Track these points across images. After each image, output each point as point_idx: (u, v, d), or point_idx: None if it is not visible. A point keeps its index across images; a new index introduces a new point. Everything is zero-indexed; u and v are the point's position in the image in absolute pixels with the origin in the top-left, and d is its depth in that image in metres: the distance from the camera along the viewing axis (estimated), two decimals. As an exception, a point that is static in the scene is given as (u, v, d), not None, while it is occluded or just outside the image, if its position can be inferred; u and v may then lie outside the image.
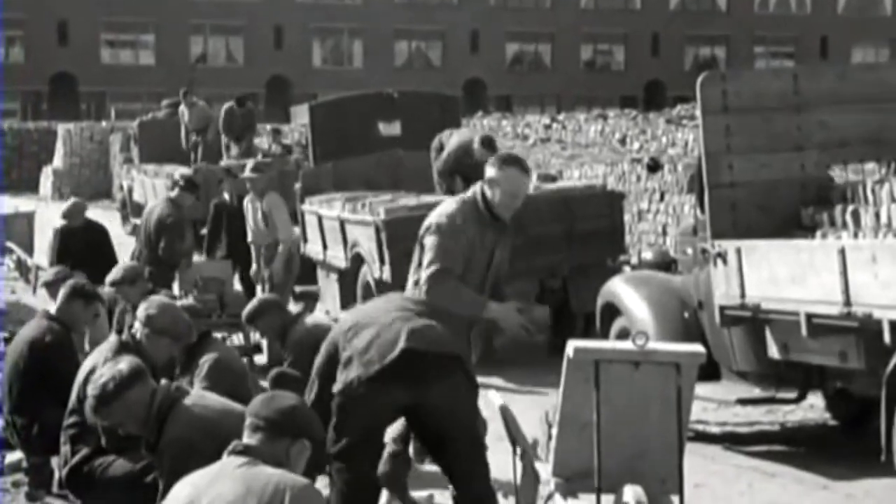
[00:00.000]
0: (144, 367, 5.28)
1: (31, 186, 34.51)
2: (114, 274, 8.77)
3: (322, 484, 5.95)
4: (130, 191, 23.86)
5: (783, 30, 67.09)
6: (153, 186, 21.51)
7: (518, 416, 6.75)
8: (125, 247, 18.43)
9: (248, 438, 4.04)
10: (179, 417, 5.05)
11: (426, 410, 5.88)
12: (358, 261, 12.42)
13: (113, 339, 6.61)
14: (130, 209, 23.48)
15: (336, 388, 5.81)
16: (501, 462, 7.03)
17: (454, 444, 5.95)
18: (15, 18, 59.41)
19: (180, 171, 20.55)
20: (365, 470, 5.88)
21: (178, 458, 4.88)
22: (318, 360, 6.03)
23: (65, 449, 6.43)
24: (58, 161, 34.52)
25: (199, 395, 5.32)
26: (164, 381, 5.25)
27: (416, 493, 7.28)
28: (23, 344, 7.40)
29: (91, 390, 5.24)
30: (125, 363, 5.23)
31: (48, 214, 24.33)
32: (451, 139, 12.50)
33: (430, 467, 7.32)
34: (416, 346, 5.73)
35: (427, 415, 5.91)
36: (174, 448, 4.97)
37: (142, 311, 6.47)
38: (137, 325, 6.42)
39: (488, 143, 12.00)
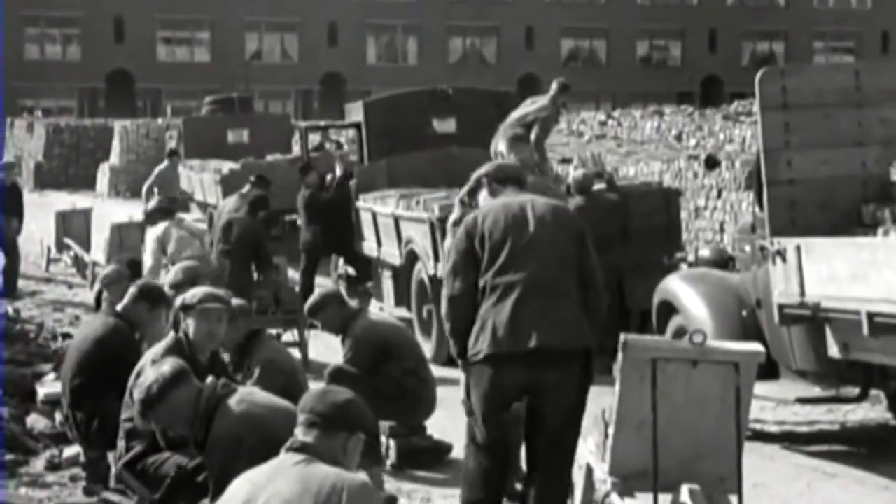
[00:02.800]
0: (187, 367, 5.28)
1: (88, 183, 34.85)
2: (173, 276, 8.80)
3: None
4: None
5: (843, 25, 66.44)
6: (200, 181, 21.89)
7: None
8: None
9: (303, 435, 4.02)
10: (226, 414, 5.05)
11: (541, 392, 5.98)
12: (412, 257, 12.41)
13: (170, 336, 6.63)
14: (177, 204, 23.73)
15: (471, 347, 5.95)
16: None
17: (546, 430, 6.04)
18: (72, 16, 60.05)
19: (228, 165, 20.87)
20: (494, 433, 6.01)
21: (226, 455, 4.89)
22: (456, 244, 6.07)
23: (120, 444, 6.46)
24: (114, 158, 34.81)
25: (247, 392, 5.31)
26: (210, 379, 5.25)
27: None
28: (88, 340, 7.43)
29: (137, 395, 5.26)
30: (167, 365, 5.23)
31: (105, 211, 24.61)
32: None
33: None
34: (548, 344, 5.87)
35: (541, 397, 5.99)
36: (223, 445, 4.98)
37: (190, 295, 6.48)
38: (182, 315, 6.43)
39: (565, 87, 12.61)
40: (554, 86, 12.80)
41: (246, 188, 13.75)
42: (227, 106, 25.86)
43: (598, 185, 12.01)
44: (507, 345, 5.89)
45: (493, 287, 5.96)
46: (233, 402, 5.10)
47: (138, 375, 6.19)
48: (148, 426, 5.39)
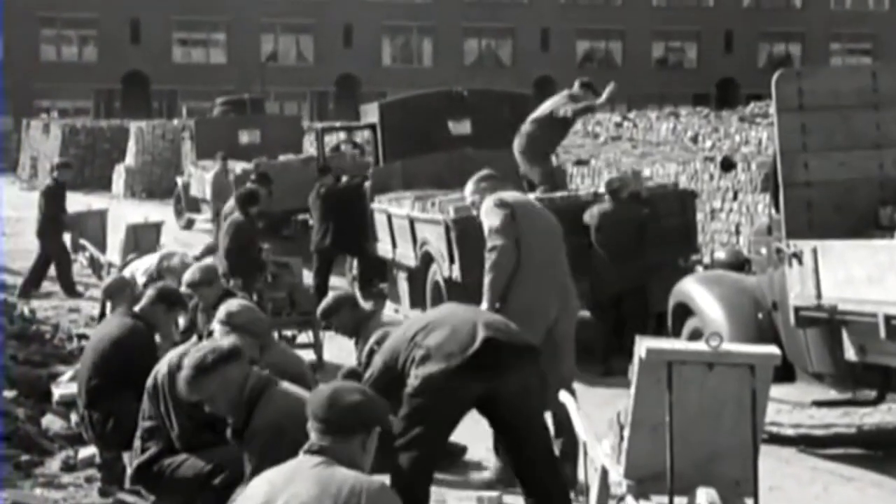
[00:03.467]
0: (243, 348, 5.31)
1: (104, 184, 34.91)
2: (191, 275, 8.82)
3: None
4: (186, 187, 24.56)
5: (860, 26, 66.23)
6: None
7: (589, 417, 6.68)
8: (180, 241, 18.71)
9: (319, 440, 4.01)
10: (270, 403, 5.07)
11: (500, 400, 6.11)
12: (427, 259, 12.40)
13: (193, 341, 6.64)
14: (185, 204, 24.35)
15: (413, 384, 5.96)
16: (572, 463, 6.98)
17: (524, 433, 6.20)
18: (88, 18, 60.21)
19: (241, 165, 20.91)
20: (432, 460, 6.15)
21: (270, 443, 4.92)
22: (372, 372, 6.19)
23: (136, 445, 6.47)
24: (130, 159, 34.88)
25: (288, 385, 5.33)
26: (255, 368, 5.27)
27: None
28: (105, 340, 7.44)
29: (189, 361, 5.25)
30: (227, 341, 5.28)
31: (120, 212, 24.67)
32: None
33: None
34: (495, 336, 6.01)
35: (500, 405, 6.13)
36: (266, 433, 5.00)
37: (222, 311, 6.49)
38: (217, 325, 6.43)
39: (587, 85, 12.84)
40: (576, 83, 12.95)
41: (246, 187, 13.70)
42: (239, 107, 26.30)
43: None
44: None
45: None
46: (275, 393, 5.12)
47: (156, 377, 6.22)
48: (191, 396, 5.33)
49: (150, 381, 6.34)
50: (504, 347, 6.05)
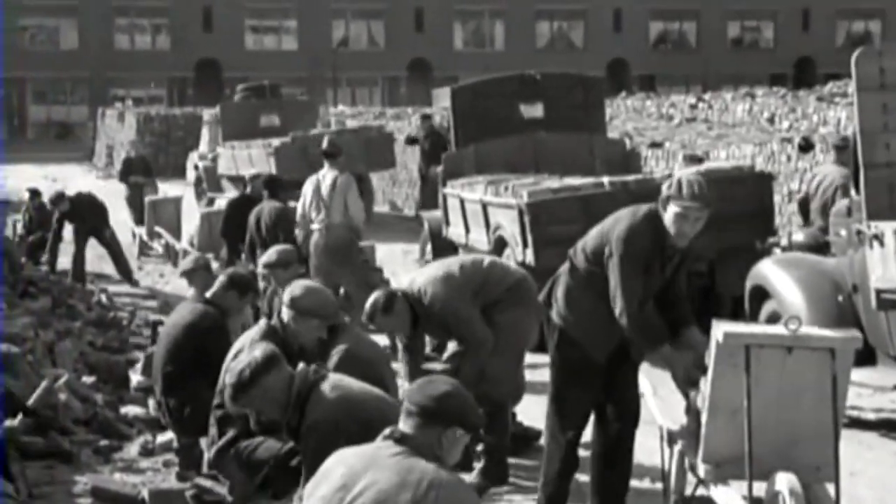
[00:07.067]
0: (279, 352, 5.30)
1: (178, 172, 35.17)
2: (268, 257, 8.90)
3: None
4: (206, 169, 26.74)
5: (942, 2, 65.11)
6: (249, 156, 23.59)
7: (666, 400, 6.63)
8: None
9: (402, 424, 4.01)
10: (321, 400, 5.06)
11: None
12: (501, 244, 12.35)
13: (262, 323, 6.67)
14: (207, 184, 26.25)
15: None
16: (650, 447, 6.94)
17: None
18: (160, 6, 60.81)
19: (279, 139, 22.44)
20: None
21: (324, 439, 4.89)
22: None
23: (212, 431, 6.51)
24: (203, 146, 35.14)
25: (338, 378, 5.31)
26: (301, 365, 5.26)
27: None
28: (179, 327, 7.51)
29: (228, 379, 5.30)
30: (259, 350, 5.26)
31: (195, 199, 24.92)
32: None
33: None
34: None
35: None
36: (320, 430, 4.98)
37: (287, 293, 6.51)
38: (284, 308, 6.46)
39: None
40: None
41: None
42: (259, 93, 27.65)
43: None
44: None
45: None
46: (326, 387, 5.11)
47: (233, 359, 6.24)
48: (240, 410, 5.42)
49: (227, 365, 6.37)
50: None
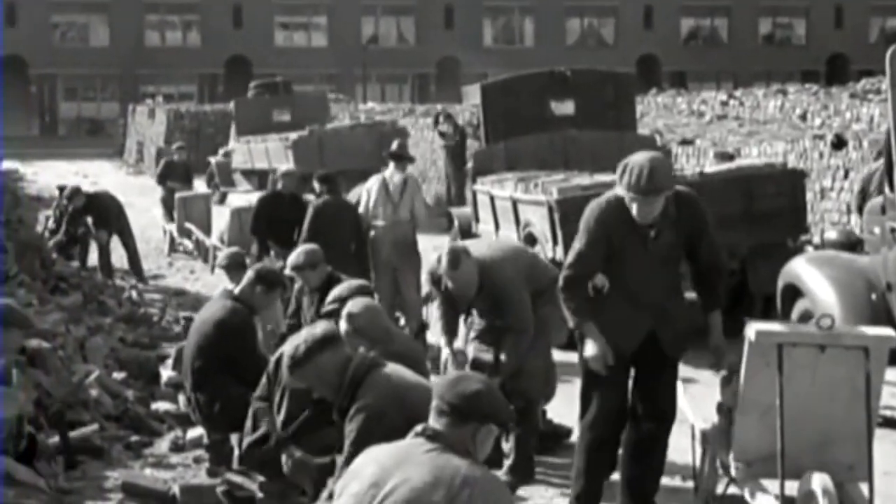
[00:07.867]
0: (338, 333, 5.34)
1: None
2: (295, 258, 8.89)
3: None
4: (218, 164, 27.54)
5: (976, -3, 64.60)
6: (265, 150, 23.96)
7: (697, 399, 6.60)
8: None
9: (434, 422, 3.99)
10: (374, 386, 5.08)
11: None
12: (531, 241, 12.33)
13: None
14: (220, 180, 26.93)
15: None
16: (682, 445, 6.91)
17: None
18: (191, 3, 61.03)
19: (295, 133, 22.96)
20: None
21: (367, 425, 4.92)
22: None
23: (248, 425, 6.54)
24: (233, 143, 35.22)
25: (394, 367, 5.32)
26: (361, 350, 5.30)
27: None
28: (208, 323, 7.52)
29: (287, 350, 5.36)
30: (320, 328, 5.30)
31: (225, 196, 24.98)
32: None
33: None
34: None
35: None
36: (365, 414, 5.00)
37: (346, 310, 6.48)
38: (343, 322, 6.44)
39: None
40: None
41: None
42: (272, 89, 28.47)
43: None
44: None
45: None
46: (380, 374, 5.13)
47: (277, 360, 6.28)
48: (294, 384, 5.48)
49: (271, 364, 6.42)
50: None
